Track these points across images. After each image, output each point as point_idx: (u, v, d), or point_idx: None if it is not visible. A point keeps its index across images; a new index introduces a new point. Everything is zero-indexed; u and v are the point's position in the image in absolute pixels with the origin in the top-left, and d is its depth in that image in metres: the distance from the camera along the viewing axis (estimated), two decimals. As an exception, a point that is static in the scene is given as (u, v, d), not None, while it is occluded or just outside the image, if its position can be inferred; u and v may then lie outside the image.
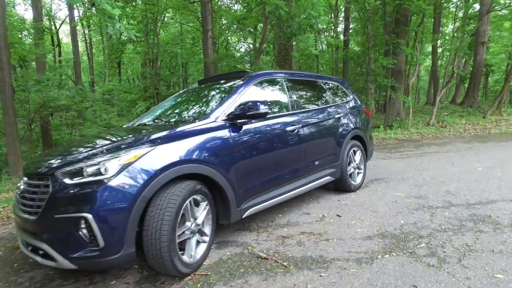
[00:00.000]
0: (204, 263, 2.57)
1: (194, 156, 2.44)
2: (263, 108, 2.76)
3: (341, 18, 21.35)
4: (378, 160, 6.53)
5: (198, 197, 2.51)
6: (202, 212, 2.55)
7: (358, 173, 4.43)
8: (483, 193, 3.96)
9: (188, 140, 2.47)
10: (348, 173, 4.19)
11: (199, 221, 2.52)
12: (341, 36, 19.25)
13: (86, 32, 21.03)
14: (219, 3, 11.90)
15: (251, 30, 12.16)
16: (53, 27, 20.91)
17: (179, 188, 2.31)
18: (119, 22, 3.99)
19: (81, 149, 2.50)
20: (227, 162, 2.65)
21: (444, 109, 15.79)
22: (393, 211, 3.49)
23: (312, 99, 3.92)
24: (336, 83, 4.50)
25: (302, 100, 3.70)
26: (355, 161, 4.34)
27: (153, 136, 2.39)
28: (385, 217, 3.34)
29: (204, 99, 3.38)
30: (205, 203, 2.57)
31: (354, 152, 4.36)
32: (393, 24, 11.21)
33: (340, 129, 4.02)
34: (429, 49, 25.89)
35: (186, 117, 3.14)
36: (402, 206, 3.64)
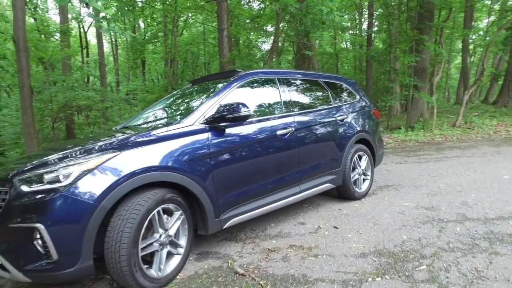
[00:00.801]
0: (178, 276, 2.38)
1: (164, 163, 2.24)
2: (244, 111, 2.52)
3: (366, 16, 20.57)
4: (392, 164, 6.07)
5: (170, 207, 2.31)
6: (175, 223, 2.35)
7: (364, 180, 4.07)
8: (506, 205, 3.49)
9: (159, 145, 2.28)
10: (352, 180, 3.84)
11: (172, 232, 2.32)
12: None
13: (112, 33, 21.56)
14: (235, 1, 11.69)
15: (266, 29, 11.87)
16: (81, 29, 21.74)
17: (145, 197, 2.12)
18: (113, 22, 3.88)
19: (54, 154, 2.37)
20: (203, 169, 2.43)
21: (475, 109, 14.73)
22: (397, 224, 3.12)
23: (311, 100, 3.62)
24: (341, 82, 4.15)
25: (299, 101, 3.41)
26: (360, 167, 3.98)
27: (121, 141, 2.21)
28: (387, 231, 2.99)
29: (190, 101, 3.18)
30: (179, 212, 2.37)
31: (360, 157, 4.01)
32: (417, 20, 10.51)
33: (343, 132, 3.69)
34: (460, 45, 24.39)
35: (167, 120, 2.95)
36: (409, 218, 3.27)
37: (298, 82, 3.57)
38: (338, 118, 3.69)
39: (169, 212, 2.34)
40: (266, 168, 2.89)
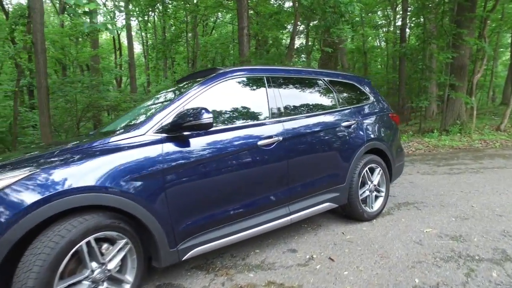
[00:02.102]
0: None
1: (99, 182, 1.78)
2: (205, 118, 2.01)
3: (401, 12, 19.06)
4: (418, 175, 5.23)
5: (112, 234, 1.86)
6: (117, 254, 1.89)
7: (376, 197, 3.38)
8: (561, 239, 2.66)
9: (96, 160, 1.83)
10: (360, 197, 3.18)
11: (112, 265, 1.86)
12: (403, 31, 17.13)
13: (143, 34, 21.96)
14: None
15: (286, 26, 11.21)
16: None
17: (69, 225, 1.68)
18: (96, 17, 3.54)
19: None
20: (153, 188, 1.95)
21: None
22: (411, 259, 2.44)
23: (309, 102, 3.00)
24: (351, 81, 3.48)
25: (292, 105, 2.82)
26: (371, 182, 3.30)
27: (47, 156, 1.79)
28: (395, 268, 2.33)
29: (158, 103, 2.71)
30: (124, 241, 1.91)
31: (371, 170, 3.33)
32: (455, 12, 9.33)
33: (349, 141, 3.04)
34: (509, 40, 21.93)
35: (122, 130, 2.49)
36: (427, 251, 2.56)
37: (293, 81, 2.97)
38: (344, 124, 3.04)
39: (112, 241, 1.89)
40: (243, 186, 2.35)
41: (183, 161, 2.06)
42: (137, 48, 24.92)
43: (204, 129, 2.08)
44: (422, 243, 2.72)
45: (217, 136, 2.25)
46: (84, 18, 3.44)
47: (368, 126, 3.27)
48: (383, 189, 3.43)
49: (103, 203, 1.78)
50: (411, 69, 16.17)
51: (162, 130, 2.07)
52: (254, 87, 2.69)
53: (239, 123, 2.44)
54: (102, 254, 1.83)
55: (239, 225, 2.34)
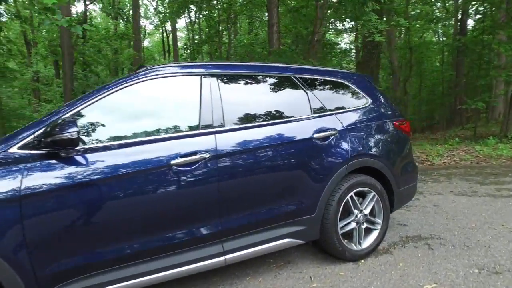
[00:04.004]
0: None
1: None
2: (69, 133, 1.47)
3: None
4: (449, 195, 4.10)
5: None
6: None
7: (369, 231, 2.54)
8: None
9: None
10: (342, 231, 2.37)
11: None
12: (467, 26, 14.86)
13: (182, 35, 22.41)
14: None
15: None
16: (164, 34, 23.24)
17: None
18: (58, 14, 3.22)
19: None
20: (4, 222, 1.46)
21: None
22: None
23: (262, 108, 2.25)
24: (335, 78, 2.64)
25: (237, 111, 2.13)
26: (360, 211, 2.46)
27: None
28: None
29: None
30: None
31: (361, 195, 2.50)
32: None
33: (322, 158, 2.25)
34: None
35: None
36: (416, 327, 1.71)
37: (244, 81, 2.27)
38: (316, 135, 2.27)
39: None
40: (145, 218, 1.75)
41: (55, 183, 1.55)
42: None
43: (68, 146, 1.54)
44: (413, 309, 1.86)
45: (108, 154, 1.70)
46: (48, 14, 3.13)
47: (355, 138, 2.44)
48: (378, 220, 2.56)
49: None
50: (468, 65, 13.95)
51: (29, 145, 1.58)
52: (185, 89, 2.06)
53: (150, 135, 1.85)
54: None
55: (144, 266, 1.75)
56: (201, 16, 12.50)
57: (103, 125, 1.81)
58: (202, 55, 17.29)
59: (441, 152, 6.81)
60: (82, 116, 1.76)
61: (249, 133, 2.06)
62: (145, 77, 1.96)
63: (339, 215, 2.35)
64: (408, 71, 15.74)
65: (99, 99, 1.80)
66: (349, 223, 2.43)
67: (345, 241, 2.43)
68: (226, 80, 2.16)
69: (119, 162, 1.70)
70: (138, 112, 1.93)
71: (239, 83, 2.23)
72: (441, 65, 19.83)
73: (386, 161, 2.56)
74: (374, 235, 2.55)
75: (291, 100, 2.37)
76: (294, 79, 2.42)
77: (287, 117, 2.26)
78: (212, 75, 2.12)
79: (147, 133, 1.86)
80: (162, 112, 1.99)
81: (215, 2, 12.28)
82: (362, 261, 2.46)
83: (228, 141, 1.97)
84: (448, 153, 6.84)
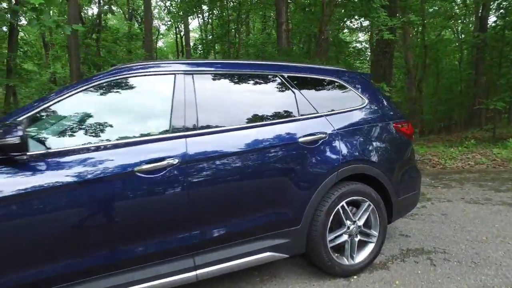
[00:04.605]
0: None
1: None
2: (12, 137, 1.33)
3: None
4: (459, 202, 3.77)
5: None
6: None
7: (363, 243, 2.30)
8: None
9: None
10: (331, 244, 2.15)
11: None
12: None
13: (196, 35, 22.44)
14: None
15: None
16: (178, 35, 23.39)
17: None
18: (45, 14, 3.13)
19: None
20: None
21: None
22: None
23: (243, 109, 2.04)
24: (326, 76, 2.40)
25: (213, 113, 1.94)
26: (353, 223, 2.23)
27: None
28: None
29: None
30: None
31: (355, 204, 2.27)
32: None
33: (308, 164, 2.04)
34: None
35: None
36: None
37: (224, 80, 2.07)
38: (302, 139, 2.05)
39: None
40: (104, 228, 1.60)
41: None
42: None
43: (14, 151, 1.40)
44: (405, 339, 1.62)
45: (67, 160, 1.55)
46: (35, 16, 3.05)
47: (348, 142, 2.20)
48: (374, 232, 2.32)
49: None
50: (488, 63, 13.25)
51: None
52: (156, 89, 1.90)
53: (113, 140, 1.69)
54: None
55: (104, 283, 1.60)
56: (211, 16, 12.38)
57: (64, 129, 1.67)
58: (215, 55, 17.25)
59: (455, 154, 6.40)
60: (40, 118, 1.62)
61: (225, 137, 1.88)
62: (113, 76, 1.80)
63: (329, 226, 2.12)
64: (422, 70, 15.11)
65: (60, 100, 1.67)
66: (340, 235, 2.21)
67: (336, 255, 2.20)
68: (203, 80, 1.98)
69: (79, 168, 1.55)
70: (102, 114, 1.78)
71: (217, 82, 2.05)
72: (459, 63, 18.97)
73: (383, 167, 2.31)
74: (369, 248, 2.31)
75: (276, 100, 2.16)
76: (281, 78, 2.21)
77: (270, 119, 2.05)
78: (188, 74, 1.94)
79: (111, 138, 1.70)
80: (129, 114, 1.84)
81: (225, 2, 12.16)
82: (355, 277, 2.23)
83: (201, 146, 1.79)
84: (463, 156, 6.43)
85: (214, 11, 12.46)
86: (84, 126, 1.71)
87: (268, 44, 14.10)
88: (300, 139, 2.04)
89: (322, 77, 2.40)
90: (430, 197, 4.07)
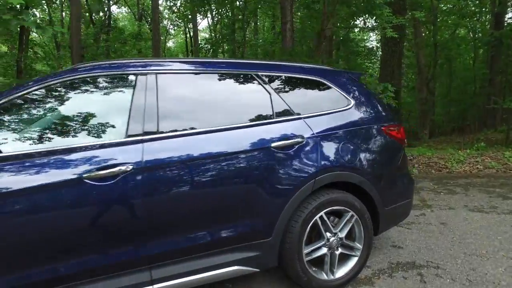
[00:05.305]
0: None
1: None
2: None
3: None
4: (463, 210, 3.50)
5: None
6: None
7: (344, 257, 2.11)
8: None
9: None
10: (308, 258, 1.97)
11: None
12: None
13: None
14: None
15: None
16: (187, 35, 23.51)
17: None
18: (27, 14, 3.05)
19: None
20: None
21: None
22: None
23: (211, 112, 1.87)
24: (312, 76, 2.20)
25: (178, 116, 1.79)
26: (333, 235, 2.04)
27: None
28: None
29: None
30: None
31: (336, 215, 2.08)
32: None
33: (280, 171, 1.86)
34: None
35: None
36: None
37: (192, 80, 1.91)
38: (276, 143, 1.88)
39: None
40: (48, 239, 1.47)
41: None
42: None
43: None
44: None
45: (9, 165, 1.43)
46: (18, 17, 2.98)
47: (328, 147, 2.01)
48: (358, 245, 2.12)
49: None
50: (504, 62, 12.66)
51: None
52: (115, 91, 1.76)
53: (61, 145, 1.56)
54: None
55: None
56: (216, 15, 12.28)
57: (8, 131, 1.56)
58: (224, 54, 17.15)
59: (463, 158, 6.06)
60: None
61: (188, 141, 1.72)
62: (68, 76, 1.68)
63: (305, 238, 1.94)
64: (433, 70, 14.59)
65: (10, 99, 1.55)
66: (319, 248, 2.02)
67: (314, 269, 2.02)
68: (168, 80, 1.83)
69: (22, 174, 1.43)
70: (53, 117, 1.65)
71: (184, 83, 1.89)
72: (473, 62, 18.25)
73: (368, 175, 2.11)
74: (352, 262, 2.12)
75: (249, 102, 1.99)
76: (256, 77, 2.03)
77: (240, 122, 1.88)
78: (151, 74, 1.80)
79: (60, 142, 1.57)
80: (83, 117, 1.70)
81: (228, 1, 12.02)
82: (334, 294, 2.04)
83: (159, 152, 1.64)
84: (471, 159, 6.08)
85: (220, 11, 12.34)
86: (32, 130, 1.59)
87: (276, 44, 13.90)
88: (273, 144, 1.86)
89: (304, 77, 2.21)
90: (431, 204, 3.81)
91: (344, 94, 2.25)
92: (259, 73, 2.05)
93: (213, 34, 19.47)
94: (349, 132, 2.13)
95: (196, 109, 1.86)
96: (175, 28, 21.73)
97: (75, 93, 1.70)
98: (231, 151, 1.76)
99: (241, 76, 2.02)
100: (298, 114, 2.03)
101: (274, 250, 1.88)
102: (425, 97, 14.36)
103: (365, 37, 20.99)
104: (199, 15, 16.88)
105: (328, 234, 2.03)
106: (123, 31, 11.83)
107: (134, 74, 1.77)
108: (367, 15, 5.93)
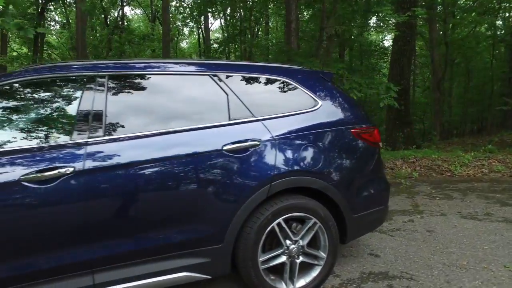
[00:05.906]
0: None
1: None
2: None
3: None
4: (455, 217, 3.30)
5: None
6: None
7: (307, 266, 2.01)
8: None
9: None
10: (265, 266, 1.89)
11: None
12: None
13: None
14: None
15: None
16: (199, 35, 23.70)
17: None
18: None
19: None
20: None
21: None
22: None
23: (167, 113, 1.83)
24: (275, 76, 2.10)
25: (126, 118, 1.75)
26: (294, 242, 1.95)
27: None
28: None
29: None
30: None
31: (299, 221, 1.99)
32: None
33: (233, 175, 1.78)
34: None
35: None
36: None
37: (144, 81, 1.85)
38: (228, 146, 1.80)
39: None
40: None
41: None
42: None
43: None
44: None
45: None
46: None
47: (288, 150, 1.92)
48: (322, 253, 2.02)
49: None
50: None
51: None
52: (63, 93, 1.74)
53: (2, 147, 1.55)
54: None
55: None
56: (223, 15, 12.29)
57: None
58: (235, 54, 17.15)
59: (468, 161, 5.76)
60: None
61: (135, 144, 1.68)
62: (16, 78, 1.67)
63: (260, 245, 1.86)
64: (444, 69, 14.04)
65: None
66: (277, 256, 1.93)
67: (272, 277, 1.94)
68: (118, 82, 1.79)
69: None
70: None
71: (136, 85, 1.84)
72: (491, 61, 17.42)
73: (334, 181, 2.00)
74: (315, 272, 2.02)
75: (203, 104, 1.92)
76: (212, 78, 1.96)
77: (191, 124, 1.82)
78: (101, 77, 1.76)
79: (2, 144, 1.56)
80: (26, 120, 1.68)
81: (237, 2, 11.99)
82: (295, 303, 1.94)
83: (103, 155, 1.60)
84: (477, 162, 5.77)
85: (228, 11, 12.34)
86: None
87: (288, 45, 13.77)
88: (225, 147, 1.79)
89: (268, 77, 2.13)
90: (423, 209, 3.62)
91: (311, 95, 2.14)
92: (217, 74, 1.98)
93: (225, 34, 19.56)
94: (313, 135, 2.03)
95: (147, 112, 1.82)
96: (188, 28, 21.91)
97: (24, 95, 1.69)
98: (178, 154, 1.71)
99: (197, 77, 1.96)
100: (255, 116, 1.94)
101: (225, 257, 1.81)
102: (438, 98, 13.85)
103: (380, 36, 20.47)
104: (210, 15, 16.94)
105: (288, 242, 1.94)
106: (133, 31, 12.02)
107: (84, 76, 1.74)
108: (368, 13, 5.70)
